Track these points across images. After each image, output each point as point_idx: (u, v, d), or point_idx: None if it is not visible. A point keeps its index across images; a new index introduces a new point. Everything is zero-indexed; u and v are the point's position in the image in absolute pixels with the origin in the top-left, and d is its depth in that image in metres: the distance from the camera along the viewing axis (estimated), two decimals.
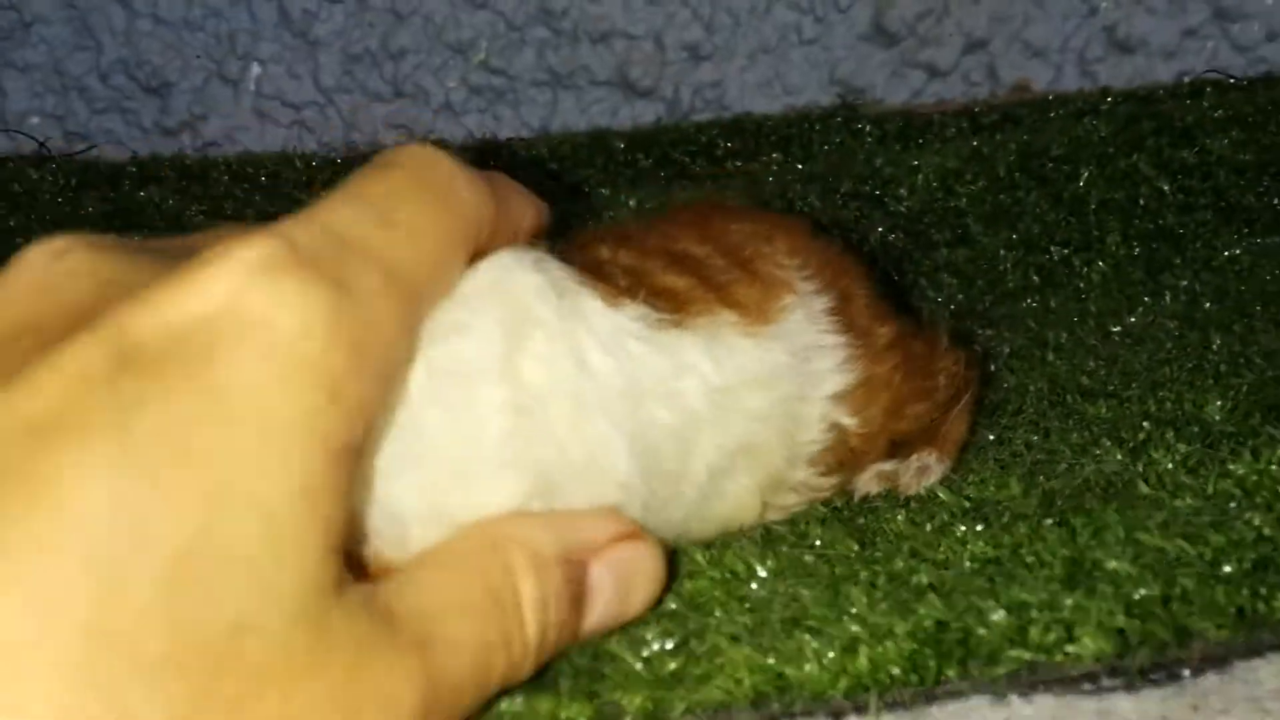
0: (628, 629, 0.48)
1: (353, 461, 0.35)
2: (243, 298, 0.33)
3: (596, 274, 0.49)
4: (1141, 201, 0.82)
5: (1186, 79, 0.93)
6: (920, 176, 0.86)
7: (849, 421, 0.54)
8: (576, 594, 0.44)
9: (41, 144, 0.97)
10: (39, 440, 0.30)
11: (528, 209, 0.47)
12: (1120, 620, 0.45)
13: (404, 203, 0.39)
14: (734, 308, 0.51)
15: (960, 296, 0.80)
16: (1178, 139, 0.85)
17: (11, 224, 0.89)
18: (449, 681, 0.38)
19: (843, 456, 0.55)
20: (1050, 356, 0.68)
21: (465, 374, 0.43)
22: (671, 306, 0.50)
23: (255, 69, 0.96)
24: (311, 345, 0.33)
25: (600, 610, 0.45)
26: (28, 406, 0.30)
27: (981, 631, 0.45)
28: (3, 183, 0.92)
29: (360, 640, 0.35)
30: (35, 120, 0.97)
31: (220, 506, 0.31)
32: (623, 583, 0.46)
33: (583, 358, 0.46)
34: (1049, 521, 0.51)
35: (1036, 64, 0.95)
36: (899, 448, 0.58)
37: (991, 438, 0.61)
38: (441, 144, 0.44)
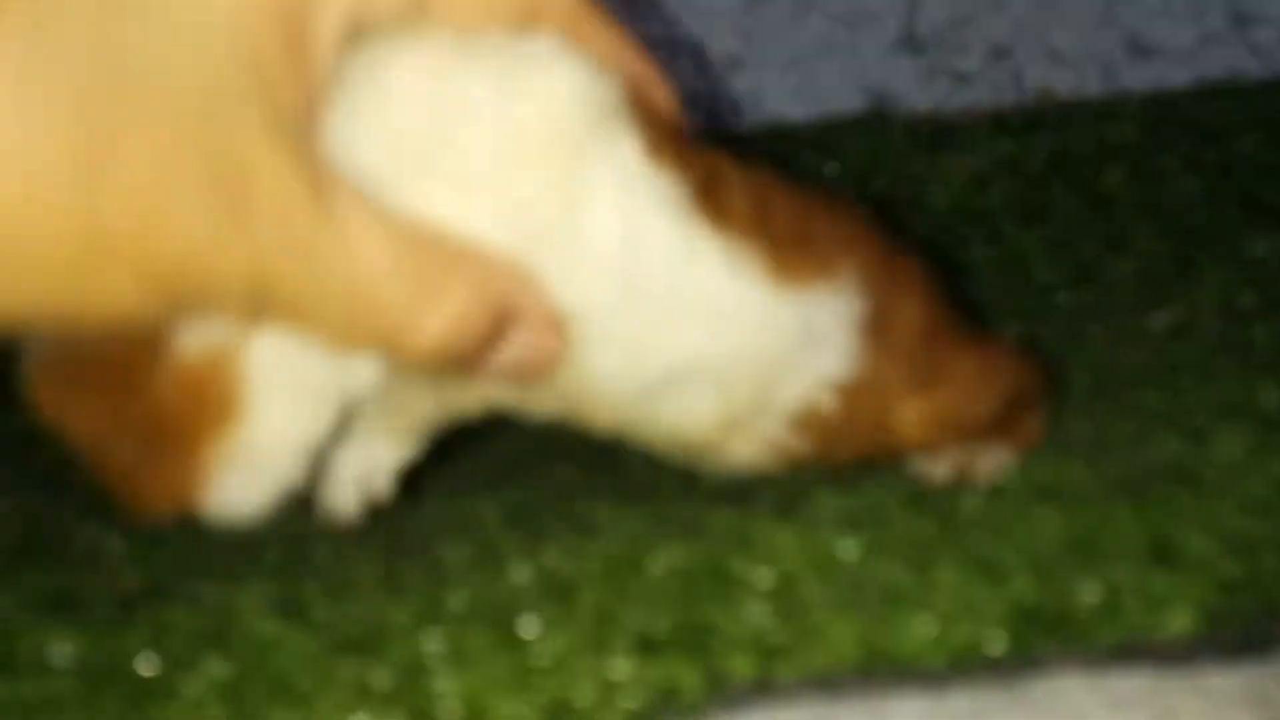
0: (730, 601, 0.50)
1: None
2: None
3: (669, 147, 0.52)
4: (1170, 200, 0.85)
5: (1205, 83, 0.96)
6: (954, 179, 0.88)
7: (830, 411, 0.56)
8: (493, 334, 0.47)
9: None
10: None
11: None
12: (1211, 596, 0.47)
13: None
14: (769, 246, 0.53)
15: (993, 292, 0.82)
16: (1202, 140, 0.87)
17: None
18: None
19: (822, 436, 0.56)
20: (1090, 348, 0.71)
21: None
22: (716, 211, 0.52)
23: None
24: None
25: (498, 362, 0.48)
26: None
27: (1076, 607, 0.48)
28: None
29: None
30: None
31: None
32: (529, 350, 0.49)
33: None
34: (1124, 504, 0.53)
35: (1060, 70, 0.98)
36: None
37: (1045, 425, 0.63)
38: None
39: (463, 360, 0.48)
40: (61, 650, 0.51)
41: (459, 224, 0.47)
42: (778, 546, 0.53)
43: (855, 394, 0.56)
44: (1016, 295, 0.81)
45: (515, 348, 0.48)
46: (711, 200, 0.53)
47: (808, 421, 0.57)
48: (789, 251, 0.54)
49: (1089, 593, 0.48)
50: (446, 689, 0.47)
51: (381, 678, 0.47)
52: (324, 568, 0.56)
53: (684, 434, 0.56)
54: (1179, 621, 0.47)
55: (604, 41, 0.52)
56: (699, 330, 0.53)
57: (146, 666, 0.49)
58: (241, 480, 0.48)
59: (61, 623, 0.53)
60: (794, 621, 0.48)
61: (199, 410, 0.46)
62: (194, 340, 0.45)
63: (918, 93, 0.99)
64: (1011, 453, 0.60)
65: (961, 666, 0.47)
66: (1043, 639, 0.47)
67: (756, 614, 0.49)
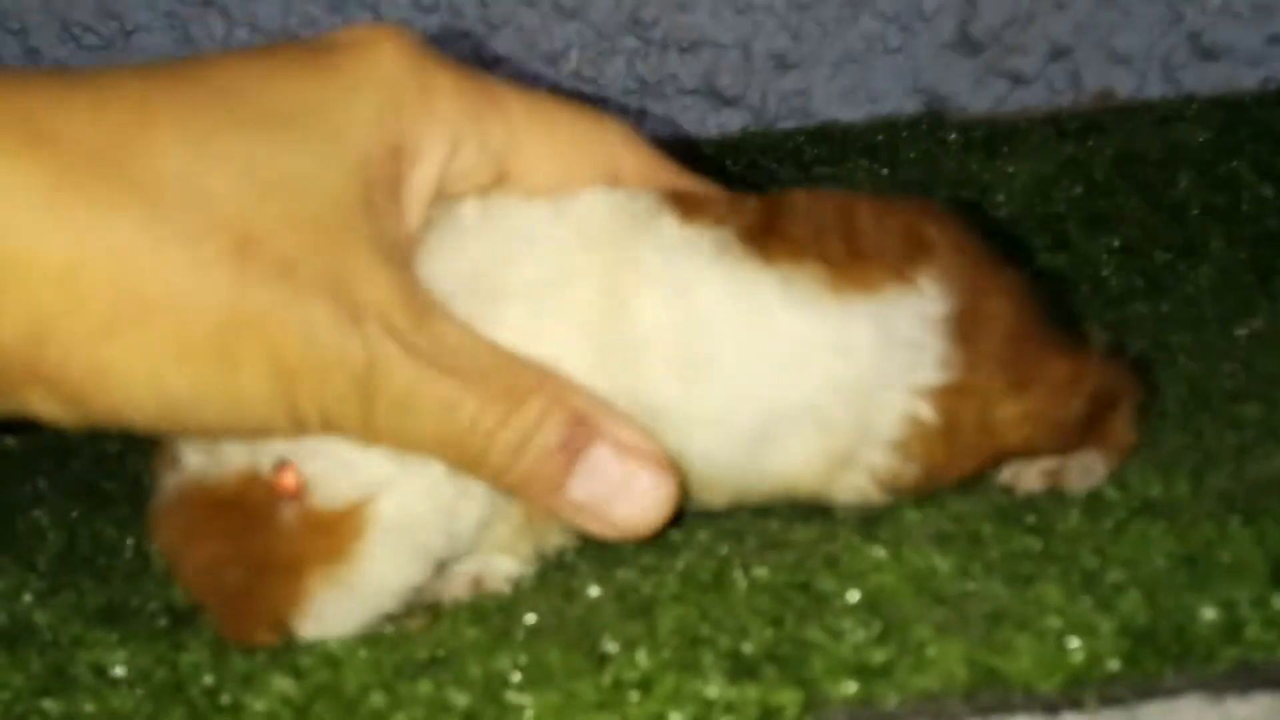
0: (823, 618, 0.47)
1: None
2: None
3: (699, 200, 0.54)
4: (1244, 207, 0.82)
5: (1272, 85, 0.93)
6: (1018, 183, 0.86)
7: (932, 420, 0.54)
8: (569, 445, 0.48)
9: None
10: None
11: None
12: None
13: None
14: (827, 264, 0.53)
15: (1064, 302, 0.79)
16: (1275, 145, 0.85)
17: None
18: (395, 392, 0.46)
19: (929, 453, 0.55)
20: (1181, 359, 0.68)
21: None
22: (766, 246, 0.52)
23: None
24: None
25: (587, 488, 0.48)
26: None
27: (1195, 629, 0.45)
28: None
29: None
30: None
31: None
32: (620, 484, 0.49)
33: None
34: (1235, 520, 0.50)
35: (1121, 71, 0.95)
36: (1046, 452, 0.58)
37: (1143, 440, 0.60)
38: None
39: (543, 481, 0.48)
40: (119, 664, 0.49)
41: (533, 343, 0.49)
42: (868, 563, 0.51)
43: (953, 400, 0.55)
44: (1090, 304, 0.78)
45: (596, 477, 0.49)
46: (761, 236, 0.53)
47: (911, 440, 0.55)
48: (852, 265, 0.53)
49: (1206, 613, 0.45)
50: (526, 707, 0.44)
51: (458, 696, 0.45)
52: None
53: (794, 482, 0.55)
54: None
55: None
56: (778, 374, 0.52)
57: (210, 682, 0.47)
58: (340, 611, 0.50)
59: (116, 636, 0.51)
60: (894, 640, 0.46)
61: (316, 549, 0.49)
62: (327, 488, 0.48)
63: (972, 94, 0.96)
64: (1104, 460, 0.57)
65: (1075, 689, 0.44)
66: (1158, 661, 0.44)
67: (853, 632, 0.46)
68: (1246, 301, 0.75)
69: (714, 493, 0.54)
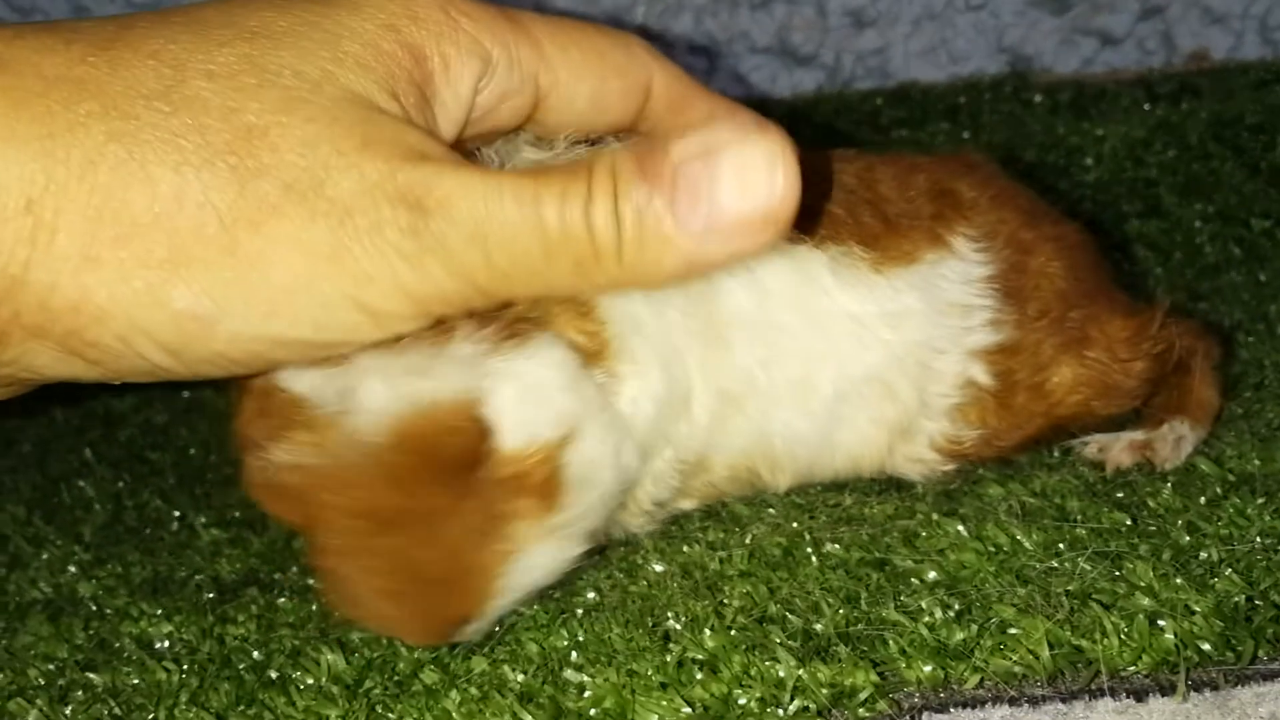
0: (899, 596, 0.45)
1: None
2: None
3: None
4: None
5: None
6: (1107, 145, 0.82)
7: (987, 382, 0.53)
8: (657, 174, 0.40)
9: None
10: None
11: None
12: None
13: None
14: (868, 244, 0.52)
15: (1159, 270, 0.76)
16: None
17: None
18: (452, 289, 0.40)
19: (985, 418, 0.54)
20: (1279, 330, 0.64)
21: None
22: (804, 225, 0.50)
23: None
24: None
25: (695, 209, 0.40)
26: None
27: None
28: None
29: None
30: None
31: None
32: (721, 178, 0.40)
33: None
34: None
35: (1215, 31, 0.91)
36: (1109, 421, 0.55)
37: (1239, 411, 0.58)
38: None
39: (655, 238, 0.40)
40: (164, 638, 0.47)
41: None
42: (947, 540, 0.48)
43: (1007, 359, 0.53)
44: (1182, 273, 0.74)
45: (697, 191, 0.40)
46: (802, 216, 0.50)
47: (968, 405, 0.53)
48: (888, 236, 0.52)
49: None
50: (585, 686, 0.42)
51: (514, 674, 0.43)
52: None
53: (859, 456, 0.53)
54: None
55: (707, 108, 0.50)
56: (842, 350, 0.51)
57: (258, 656, 0.45)
58: (549, 563, 0.45)
59: (161, 609, 0.49)
60: (973, 620, 0.43)
61: (522, 500, 0.44)
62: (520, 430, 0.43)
63: (1058, 55, 0.92)
64: (1192, 428, 0.54)
65: (1165, 672, 0.41)
66: (1254, 643, 0.42)
67: (931, 611, 0.44)
68: None
69: (784, 475, 0.53)
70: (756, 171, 0.40)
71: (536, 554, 0.44)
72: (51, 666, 0.46)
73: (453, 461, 0.42)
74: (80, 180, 0.37)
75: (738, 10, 0.91)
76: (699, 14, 0.91)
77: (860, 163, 0.55)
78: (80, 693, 0.45)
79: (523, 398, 0.43)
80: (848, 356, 0.51)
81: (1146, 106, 0.86)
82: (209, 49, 0.40)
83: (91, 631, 0.48)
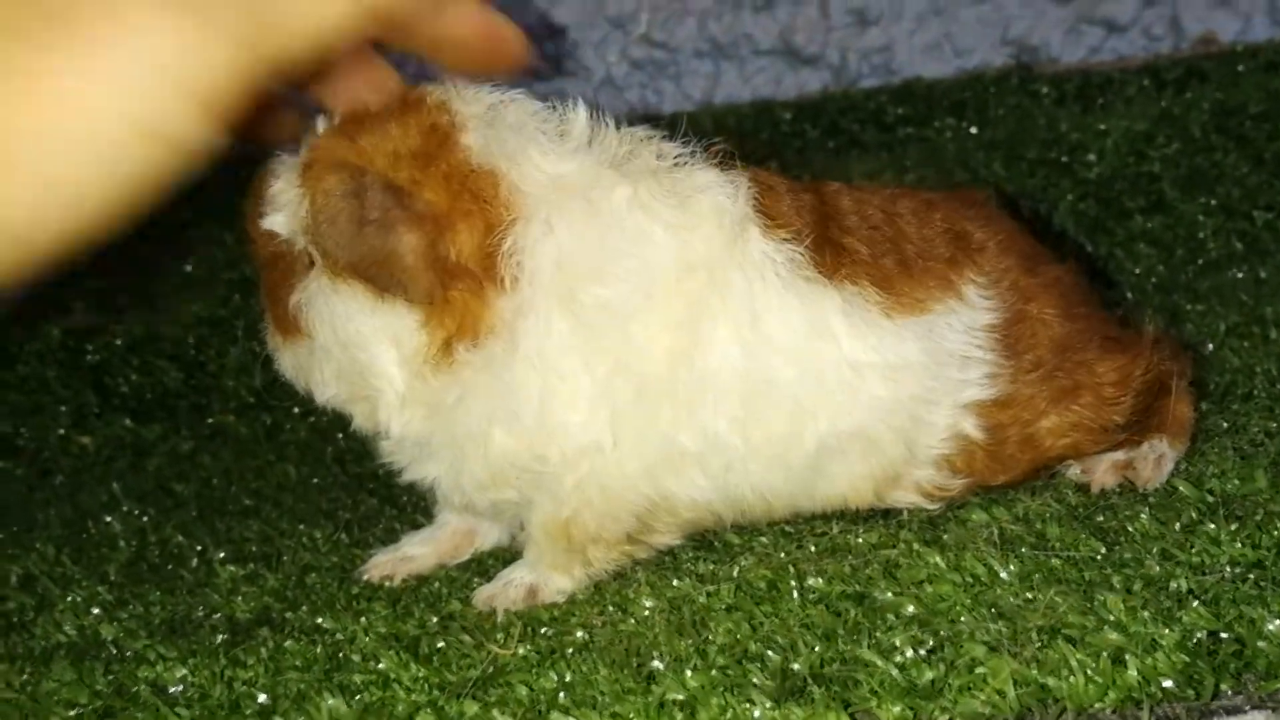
0: (874, 633, 0.46)
1: None
2: None
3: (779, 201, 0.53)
4: None
5: None
6: (1109, 140, 0.82)
7: (978, 436, 0.53)
8: None
9: None
10: None
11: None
12: None
13: None
14: (883, 287, 0.52)
15: (1160, 268, 0.76)
16: None
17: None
18: None
19: (973, 467, 0.54)
20: (1273, 334, 0.65)
21: None
22: (830, 262, 0.51)
23: None
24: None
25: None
26: None
27: (1259, 643, 0.43)
28: None
29: None
30: None
31: None
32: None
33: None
34: None
35: (1222, 14, 0.91)
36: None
37: (1225, 425, 0.58)
38: None
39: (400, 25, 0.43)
40: (178, 682, 0.49)
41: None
42: (927, 571, 0.49)
43: (999, 413, 0.53)
44: (1183, 270, 0.75)
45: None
46: (821, 247, 0.52)
47: (957, 455, 0.54)
48: (903, 280, 0.52)
49: (1271, 625, 0.43)
50: None
51: (504, 717, 0.45)
52: (437, 598, 0.54)
53: (844, 500, 0.54)
54: None
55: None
56: (833, 400, 0.51)
57: (264, 700, 0.48)
58: None
59: (177, 652, 0.52)
60: (944, 658, 0.45)
61: None
62: None
63: (1064, 44, 0.93)
64: (1172, 445, 0.55)
65: (1129, 708, 0.43)
66: (1217, 678, 0.43)
67: (904, 649, 0.45)
68: None
69: (765, 513, 0.54)
70: None
71: None
72: (73, 713, 0.49)
73: None
74: None
75: (741, 13, 0.92)
76: (703, 18, 0.92)
77: (884, 196, 0.56)
78: None
79: None
80: (838, 410, 0.51)
81: (1153, 96, 0.87)
82: None
83: (112, 676, 0.50)
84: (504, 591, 0.53)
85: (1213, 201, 0.78)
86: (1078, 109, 0.87)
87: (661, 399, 0.50)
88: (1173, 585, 0.46)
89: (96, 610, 0.56)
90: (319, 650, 0.50)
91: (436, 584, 0.56)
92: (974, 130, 0.88)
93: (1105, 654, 0.43)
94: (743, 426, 0.51)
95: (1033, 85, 0.90)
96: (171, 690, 0.50)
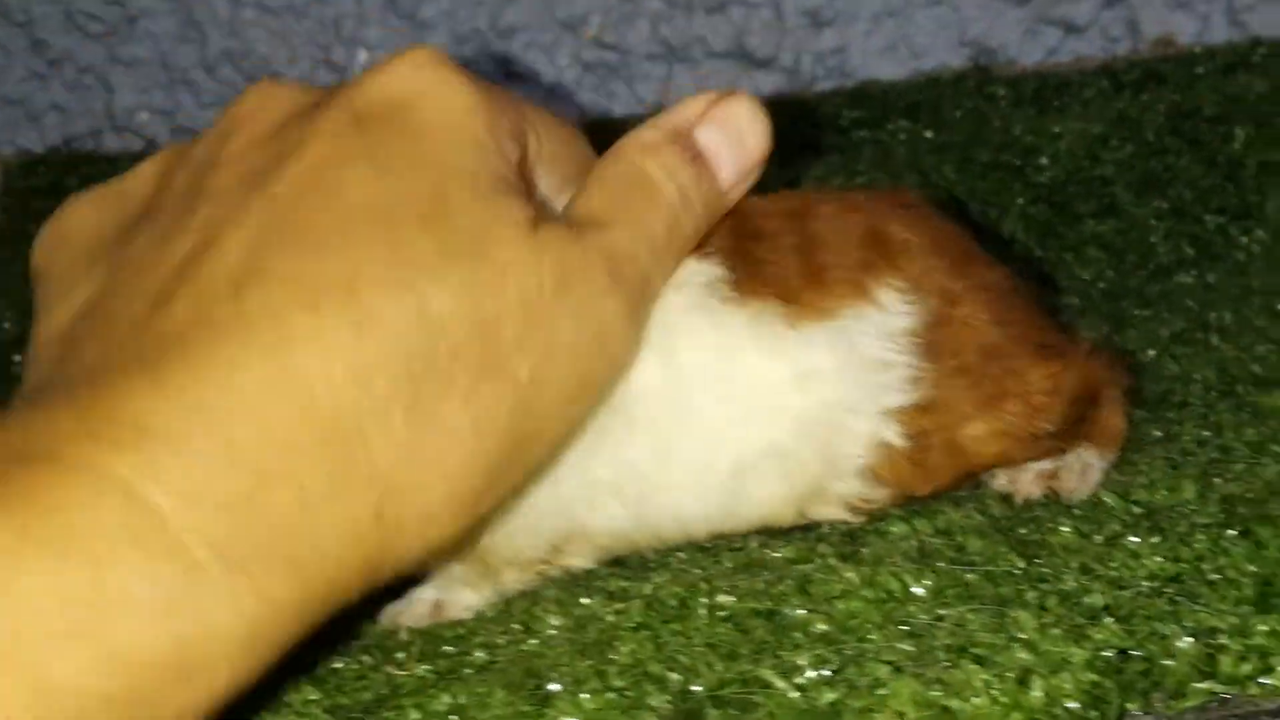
0: (779, 654, 0.45)
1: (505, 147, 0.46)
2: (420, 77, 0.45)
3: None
4: None
5: None
6: (1062, 143, 0.81)
7: (901, 443, 0.51)
8: (692, 155, 0.49)
9: (149, 140, 0.96)
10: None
11: None
12: None
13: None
14: (785, 297, 0.50)
15: (1110, 273, 0.75)
16: None
17: None
18: (625, 250, 0.46)
19: (898, 477, 0.52)
20: (1215, 340, 0.64)
21: None
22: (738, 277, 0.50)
23: (362, 55, 0.94)
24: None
25: (726, 162, 0.49)
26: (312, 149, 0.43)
27: (1166, 661, 0.42)
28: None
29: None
30: (144, 116, 0.96)
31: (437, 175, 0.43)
32: (732, 133, 0.49)
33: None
34: (1232, 532, 0.47)
35: (1181, 15, 0.90)
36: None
37: (1158, 434, 0.57)
38: None
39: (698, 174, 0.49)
40: None
41: None
42: (840, 587, 0.48)
43: (922, 419, 0.51)
44: (1134, 276, 0.74)
45: (715, 135, 0.50)
46: (738, 265, 0.50)
47: (880, 465, 0.52)
48: (808, 287, 0.51)
49: (1181, 643, 0.42)
50: None
51: None
52: (344, 616, 0.52)
53: (765, 520, 0.53)
54: None
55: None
56: (745, 420, 0.50)
57: None
58: None
59: None
60: (848, 677, 0.43)
61: None
62: None
63: (1022, 46, 0.91)
64: (1100, 456, 0.54)
65: None
66: (1123, 698, 0.41)
67: (807, 668, 0.44)
68: None
69: (685, 535, 0.53)
70: (758, 114, 0.50)
71: None
72: None
73: None
74: None
75: (693, 15, 0.91)
76: (655, 20, 0.91)
77: (799, 201, 0.54)
78: None
79: None
80: (751, 429, 0.50)
81: (1110, 98, 0.85)
82: None
83: None
84: (408, 609, 0.52)
85: (1165, 205, 0.77)
86: (1034, 111, 0.86)
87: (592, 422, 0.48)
88: (1087, 600, 0.45)
89: None
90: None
91: None
92: (929, 134, 0.87)
93: (1011, 674, 0.42)
94: (660, 456, 0.49)
95: (989, 87, 0.89)
96: None
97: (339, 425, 0.39)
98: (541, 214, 0.45)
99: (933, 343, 0.52)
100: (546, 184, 0.49)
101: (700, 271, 0.50)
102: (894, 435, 0.52)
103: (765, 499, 0.51)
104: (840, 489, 0.52)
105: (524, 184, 0.46)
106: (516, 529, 0.49)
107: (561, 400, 0.44)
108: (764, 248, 0.51)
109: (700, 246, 0.50)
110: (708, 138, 0.49)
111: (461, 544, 0.48)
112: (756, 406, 0.50)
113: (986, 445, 0.53)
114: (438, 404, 0.41)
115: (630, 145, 0.49)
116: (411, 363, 0.40)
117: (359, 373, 0.40)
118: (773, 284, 0.50)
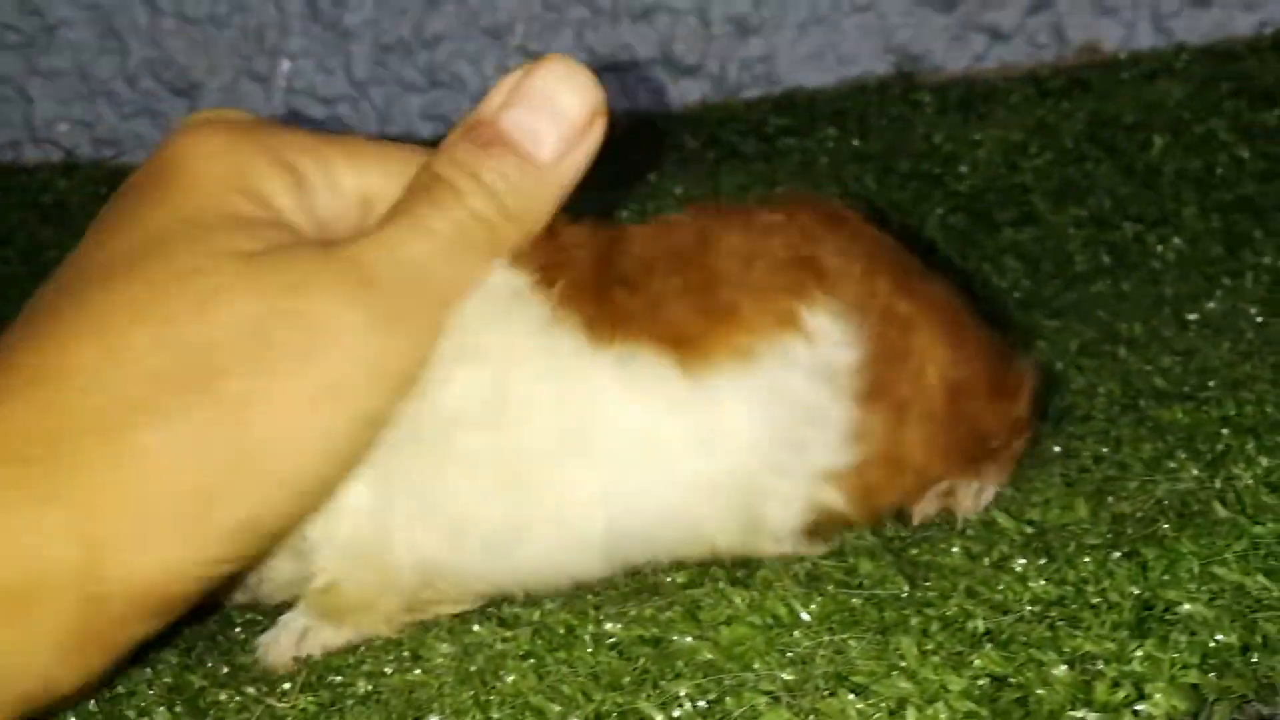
0: (659, 684, 0.45)
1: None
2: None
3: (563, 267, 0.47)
4: (1219, 170, 0.77)
5: (1268, 30, 0.87)
6: (982, 151, 0.81)
7: (843, 507, 0.48)
8: (487, 142, 0.48)
9: (69, 152, 0.95)
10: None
11: None
12: (1194, 674, 0.41)
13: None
14: (679, 340, 0.45)
15: (1026, 282, 0.75)
16: (1258, 100, 0.80)
17: (42, 235, 0.87)
18: (386, 257, 0.46)
19: (840, 528, 0.50)
20: (1122, 352, 0.64)
21: None
22: (611, 324, 0.46)
23: (285, 64, 0.93)
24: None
25: (544, 136, 0.48)
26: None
27: (1041, 690, 0.42)
28: (32, 193, 0.91)
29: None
30: (63, 128, 0.95)
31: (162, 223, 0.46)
32: (541, 105, 0.48)
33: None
34: (1118, 554, 0.47)
35: (1107, 22, 0.90)
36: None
37: (1057, 449, 0.57)
38: None
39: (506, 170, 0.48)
40: None
41: None
42: (728, 613, 0.48)
43: (873, 474, 0.48)
44: (1049, 285, 0.74)
45: (520, 114, 0.49)
46: (593, 299, 0.46)
47: (820, 524, 0.49)
48: (710, 327, 0.46)
49: (1058, 670, 0.42)
50: None
51: None
52: (233, 645, 0.52)
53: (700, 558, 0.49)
54: (1158, 704, 0.40)
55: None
56: (619, 478, 0.46)
57: None
58: None
59: None
60: (725, 708, 0.43)
61: None
62: None
63: (948, 52, 0.91)
64: (995, 479, 0.53)
65: None
66: None
67: (685, 700, 0.44)
68: (1210, 279, 0.70)
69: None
70: (570, 73, 0.49)
71: None
72: None
73: None
74: None
75: (619, 23, 0.90)
76: (579, 28, 0.91)
77: (694, 229, 0.48)
78: None
79: None
80: (630, 489, 0.46)
81: (1034, 105, 0.85)
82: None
83: None
84: (275, 639, 0.50)
85: (1083, 213, 0.77)
86: (958, 119, 0.86)
87: (418, 452, 0.46)
88: (970, 626, 0.45)
89: None
90: (93, 706, 0.48)
91: (238, 628, 0.54)
92: (855, 142, 0.87)
93: (886, 703, 0.42)
94: (497, 500, 0.46)
95: (915, 94, 0.89)
96: None
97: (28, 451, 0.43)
98: (284, 238, 0.46)
99: (881, 380, 0.47)
100: (335, 207, 0.49)
101: (539, 308, 0.46)
102: (835, 499, 0.48)
103: (667, 558, 0.49)
104: (770, 548, 0.49)
105: (273, 213, 0.47)
106: (369, 571, 0.48)
107: (294, 412, 0.44)
108: (645, 286, 0.47)
109: (553, 283, 0.47)
110: (513, 120, 0.48)
111: (245, 564, 0.47)
112: (632, 464, 0.46)
113: (937, 481, 0.51)
114: (134, 433, 0.43)
115: (436, 152, 0.49)
116: (103, 394, 0.43)
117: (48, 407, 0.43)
118: (654, 325, 0.46)
